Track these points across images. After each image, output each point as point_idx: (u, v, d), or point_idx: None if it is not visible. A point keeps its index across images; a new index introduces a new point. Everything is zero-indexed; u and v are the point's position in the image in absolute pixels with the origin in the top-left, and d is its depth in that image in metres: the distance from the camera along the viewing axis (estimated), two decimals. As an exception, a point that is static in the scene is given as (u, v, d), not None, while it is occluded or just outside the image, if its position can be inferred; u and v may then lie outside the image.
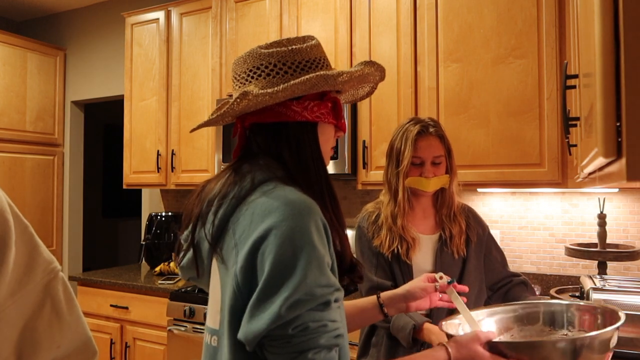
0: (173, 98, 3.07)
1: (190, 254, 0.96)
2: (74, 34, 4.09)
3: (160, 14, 3.15)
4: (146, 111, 3.18)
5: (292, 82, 0.88)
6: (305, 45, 0.93)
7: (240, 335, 0.79)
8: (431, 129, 1.55)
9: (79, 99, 4.04)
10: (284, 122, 0.91)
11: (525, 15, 2.11)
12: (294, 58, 0.91)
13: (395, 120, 2.36)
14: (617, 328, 0.92)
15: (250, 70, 0.92)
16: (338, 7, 2.53)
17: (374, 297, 1.19)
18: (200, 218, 0.92)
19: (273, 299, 0.76)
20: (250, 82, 0.92)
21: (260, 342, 0.78)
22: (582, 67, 0.94)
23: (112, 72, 3.83)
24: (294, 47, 0.92)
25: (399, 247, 1.54)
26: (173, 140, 3.05)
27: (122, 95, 3.44)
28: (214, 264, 0.90)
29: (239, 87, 0.94)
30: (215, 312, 0.89)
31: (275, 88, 0.87)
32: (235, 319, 0.81)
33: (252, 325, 0.77)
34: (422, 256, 1.57)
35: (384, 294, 1.20)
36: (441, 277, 1.18)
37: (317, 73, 0.89)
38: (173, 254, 3.06)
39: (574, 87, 1.12)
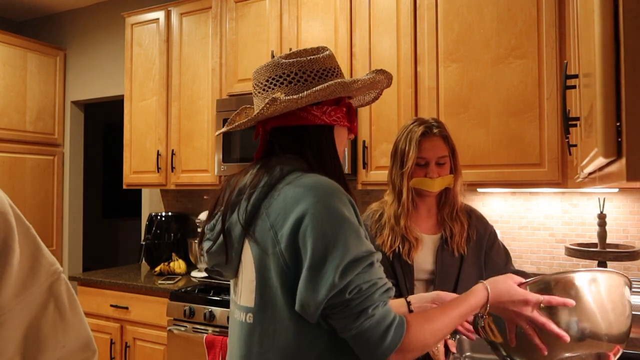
0: (173, 98, 3.07)
1: (220, 240, 1.03)
2: (74, 34, 4.09)
3: (160, 14, 3.15)
4: (146, 111, 3.18)
5: (314, 88, 0.97)
6: (321, 55, 1.03)
7: (299, 308, 0.89)
8: (435, 130, 1.55)
9: (79, 99, 4.04)
10: (304, 126, 1.02)
11: (525, 15, 2.11)
12: (313, 67, 1.01)
13: (395, 120, 2.36)
14: (627, 282, 1.06)
15: (273, 79, 1.02)
16: (338, 7, 2.53)
17: (402, 299, 1.24)
18: (231, 206, 1.02)
19: (324, 271, 0.85)
20: (273, 89, 1.02)
21: (323, 312, 0.88)
22: (582, 67, 0.94)
23: (112, 72, 3.83)
24: (311, 57, 1.02)
25: (400, 246, 1.54)
26: (173, 140, 3.05)
27: (122, 95, 3.44)
28: (246, 246, 0.99)
29: (261, 93, 1.04)
30: (249, 291, 0.97)
31: (300, 94, 0.97)
32: (289, 295, 0.91)
33: (311, 298, 0.86)
34: (424, 256, 1.58)
35: (412, 296, 1.24)
36: None
37: (336, 80, 0.99)
38: (173, 254, 3.06)
39: (574, 87, 1.12)
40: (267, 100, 0.97)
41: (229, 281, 2.46)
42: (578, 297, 1.02)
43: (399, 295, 1.48)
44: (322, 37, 2.56)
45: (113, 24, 3.85)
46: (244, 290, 0.99)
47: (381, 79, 1.08)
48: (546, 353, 1.01)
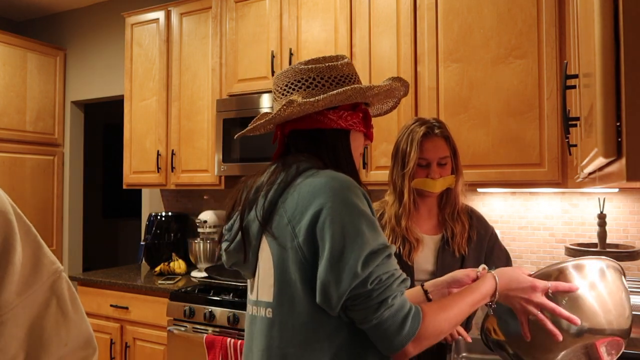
0: (173, 98, 3.07)
1: (238, 238, 1.06)
2: (74, 34, 4.09)
3: (160, 14, 3.15)
4: (146, 111, 3.18)
5: (330, 92, 1.01)
6: (339, 62, 1.08)
7: (320, 300, 0.91)
8: (437, 130, 1.55)
9: (79, 99, 4.04)
10: (321, 129, 1.06)
11: (525, 15, 2.11)
12: (331, 73, 1.06)
13: (395, 120, 2.36)
14: (621, 272, 1.11)
15: (292, 83, 1.07)
16: (338, 7, 2.53)
17: (418, 286, 1.25)
18: (248, 204, 1.06)
19: (345, 263, 0.88)
20: (292, 93, 1.06)
21: (344, 304, 0.90)
22: (582, 67, 0.94)
23: (112, 72, 3.83)
24: (330, 64, 1.07)
25: (401, 247, 1.54)
26: (173, 140, 3.05)
27: (122, 95, 3.44)
28: (264, 243, 1.02)
29: (281, 97, 1.09)
30: (267, 286, 1.00)
31: (316, 97, 1.00)
32: (308, 288, 0.94)
33: (334, 289, 0.89)
34: (424, 256, 1.57)
35: (428, 283, 1.25)
36: (484, 268, 1.23)
37: (352, 86, 1.03)
38: (173, 254, 3.06)
39: (574, 87, 1.12)
40: (279, 104, 1.02)
41: (228, 281, 2.47)
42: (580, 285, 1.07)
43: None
44: (322, 37, 2.56)
45: (113, 24, 3.85)
46: (261, 286, 1.02)
47: (397, 86, 1.11)
48: (561, 339, 1.03)
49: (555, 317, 1.04)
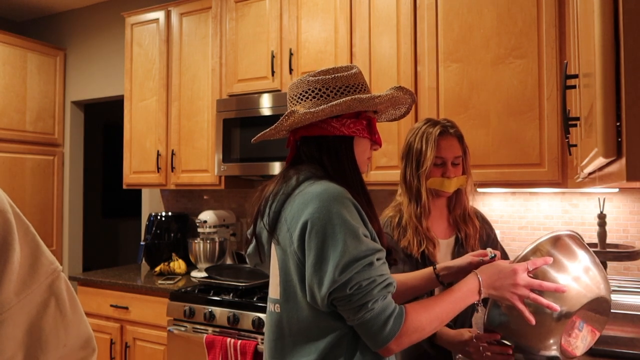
0: (173, 98, 3.07)
1: (254, 243, 1.20)
2: (74, 34, 4.09)
3: (160, 14, 3.15)
4: (146, 111, 3.18)
5: (330, 103, 1.10)
6: (346, 73, 1.15)
7: (309, 300, 1.02)
8: (451, 130, 1.55)
9: (79, 99, 4.04)
10: (325, 136, 1.14)
11: (525, 15, 2.11)
12: (335, 84, 1.14)
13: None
14: (579, 238, 1.18)
15: (300, 94, 1.16)
16: (338, 7, 2.53)
17: (430, 268, 1.32)
18: (260, 213, 1.17)
19: (325, 269, 0.98)
20: (299, 103, 1.16)
21: (331, 303, 1.00)
22: (582, 67, 0.94)
23: (112, 72, 3.83)
24: (336, 75, 1.15)
25: (428, 247, 1.51)
26: (173, 140, 3.05)
27: (122, 95, 3.44)
28: (273, 247, 1.13)
29: (291, 107, 1.18)
30: (275, 285, 1.12)
31: (317, 108, 1.10)
32: (305, 287, 1.04)
33: (317, 292, 0.99)
34: (442, 259, 1.55)
35: (439, 266, 1.32)
36: (491, 252, 1.28)
37: (353, 96, 1.10)
38: (173, 254, 3.06)
39: (574, 87, 1.12)
40: (285, 113, 1.11)
41: (228, 281, 2.47)
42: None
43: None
44: (322, 37, 2.56)
45: (113, 24, 3.85)
46: (272, 285, 1.14)
47: (399, 95, 1.17)
48: (558, 309, 1.08)
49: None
